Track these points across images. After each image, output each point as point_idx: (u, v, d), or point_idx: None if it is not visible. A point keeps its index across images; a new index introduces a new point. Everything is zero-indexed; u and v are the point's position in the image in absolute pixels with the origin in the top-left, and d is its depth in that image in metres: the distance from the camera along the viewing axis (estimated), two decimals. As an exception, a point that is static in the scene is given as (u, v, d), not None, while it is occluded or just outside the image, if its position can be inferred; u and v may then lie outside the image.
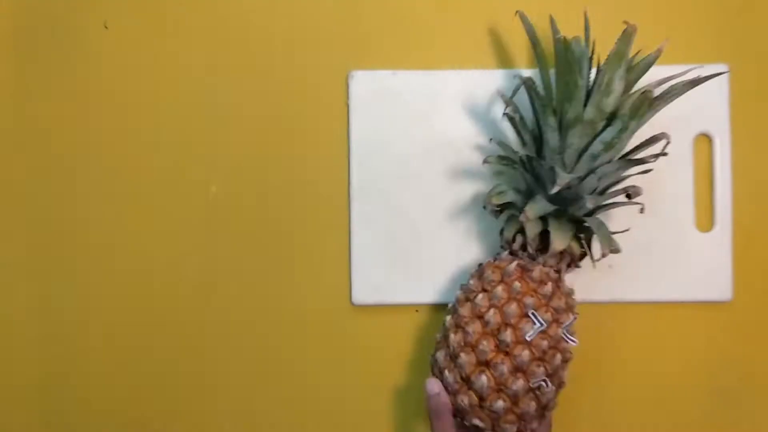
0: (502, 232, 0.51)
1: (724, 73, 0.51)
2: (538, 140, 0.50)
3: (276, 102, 0.57)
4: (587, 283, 0.54)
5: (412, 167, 0.56)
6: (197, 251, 0.58)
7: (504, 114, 0.51)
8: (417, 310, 0.57)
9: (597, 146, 0.47)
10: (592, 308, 0.55)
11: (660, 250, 0.55)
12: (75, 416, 0.58)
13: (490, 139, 0.54)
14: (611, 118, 0.47)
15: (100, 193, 0.58)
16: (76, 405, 0.58)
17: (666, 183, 0.55)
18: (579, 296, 0.51)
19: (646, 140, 0.49)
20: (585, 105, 0.47)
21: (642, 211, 0.49)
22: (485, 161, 0.50)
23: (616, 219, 0.55)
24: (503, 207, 0.51)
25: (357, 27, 0.57)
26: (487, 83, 0.55)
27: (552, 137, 0.48)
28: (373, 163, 0.56)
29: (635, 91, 0.47)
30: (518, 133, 0.51)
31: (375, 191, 0.56)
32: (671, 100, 0.47)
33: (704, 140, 0.55)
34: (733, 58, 0.55)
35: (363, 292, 0.56)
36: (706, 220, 0.55)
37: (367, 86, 0.56)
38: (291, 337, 0.57)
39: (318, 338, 0.57)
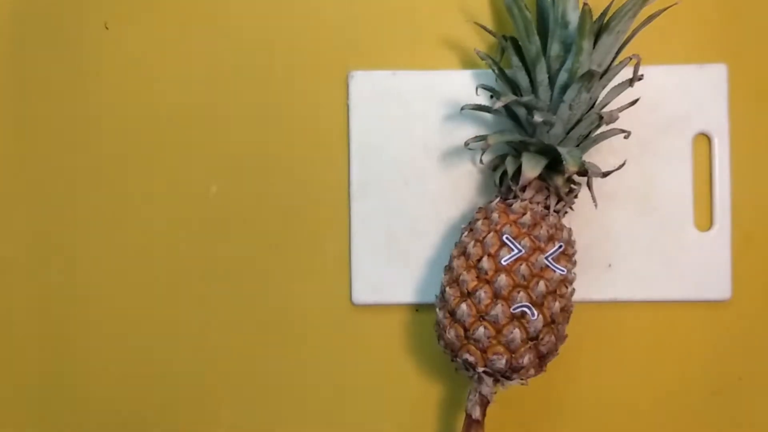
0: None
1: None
2: (515, 86, 0.51)
3: (276, 102, 0.57)
4: (586, 282, 0.54)
5: (412, 167, 0.56)
6: (197, 251, 0.58)
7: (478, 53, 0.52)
8: (417, 310, 0.57)
9: (563, 77, 0.48)
10: (591, 307, 0.55)
11: (659, 249, 0.55)
12: (75, 416, 0.58)
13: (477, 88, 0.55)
14: (569, 48, 0.48)
15: (99, 193, 0.58)
16: (76, 405, 0.58)
17: (665, 182, 0.55)
18: (578, 296, 0.51)
19: (616, 65, 0.49)
20: (547, 41, 0.48)
21: (627, 137, 0.50)
22: (462, 108, 0.53)
23: (616, 215, 0.55)
24: (497, 163, 0.53)
25: (357, 27, 0.57)
26: (487, 83, 0.54)
27: (521, 77, 0.50)
28: (373, 163, 0.56)
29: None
30: (498, 78, 0.52)
31: (375, 191, 0.56)
32: (623, 18, 0.47)
33: (703, 139, 0.55)
34: (733, 58, 0.55)
35: (363, 292, 0.56)
36: (705, 219, 0.55)
37: (366, 86, 0.56)
38: (291, 337, 0.57)
39: (318, 338, 0.57)
